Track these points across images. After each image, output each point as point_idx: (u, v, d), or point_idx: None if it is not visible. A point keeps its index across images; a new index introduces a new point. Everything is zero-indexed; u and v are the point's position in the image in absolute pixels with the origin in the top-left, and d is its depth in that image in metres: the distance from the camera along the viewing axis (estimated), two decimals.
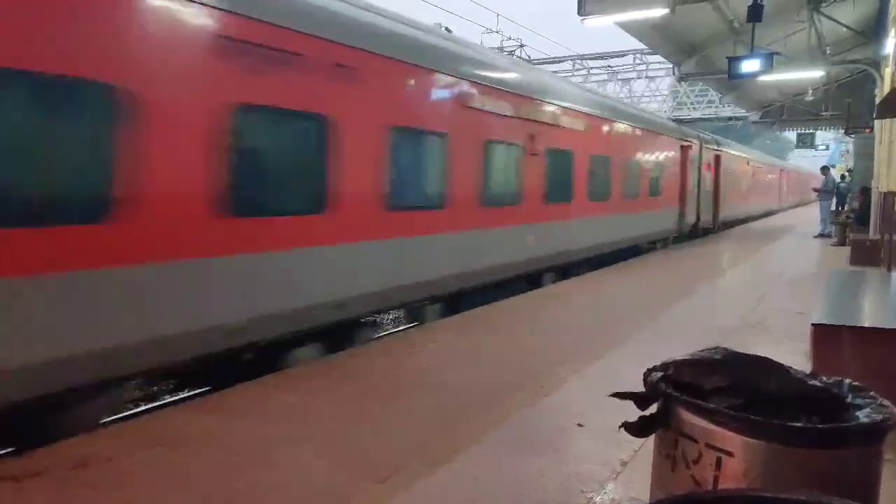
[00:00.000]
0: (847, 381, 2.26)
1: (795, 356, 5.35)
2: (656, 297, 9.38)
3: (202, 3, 4.86)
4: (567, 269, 11.67)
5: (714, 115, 31.56)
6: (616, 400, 2.37)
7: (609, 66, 31.22)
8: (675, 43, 15.97)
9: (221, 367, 5.60)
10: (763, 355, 2.40)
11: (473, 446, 3.94)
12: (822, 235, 19.06)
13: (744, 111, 27.54)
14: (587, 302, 9.14)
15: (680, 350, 2.54)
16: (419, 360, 5.94)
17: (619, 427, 2.27)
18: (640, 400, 2.26)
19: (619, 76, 31.49)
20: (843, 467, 1.99)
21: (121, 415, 5.78)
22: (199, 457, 3.77)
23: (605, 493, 3.37)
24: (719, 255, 15.53)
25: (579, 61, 30.69)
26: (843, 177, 27.42)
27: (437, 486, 3.47)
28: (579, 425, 4.24)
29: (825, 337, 4.53)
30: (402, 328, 8.52)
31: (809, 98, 20.36)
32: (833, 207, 20.21)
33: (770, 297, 9.24)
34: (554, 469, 3.63)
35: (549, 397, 4.88)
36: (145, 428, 4.25)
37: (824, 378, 2.32)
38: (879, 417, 2.02)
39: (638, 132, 14.64)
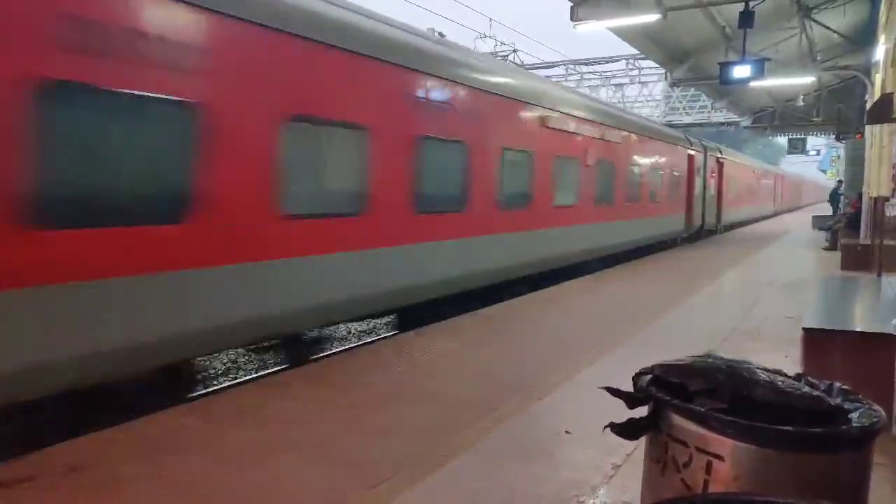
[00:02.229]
0: (837, 384, 2.27)
1: (788, 360, 5.38)
2: (651, 301, 9.40)
3: None
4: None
5: (706, 121, 31.68)
6: (608, 406, 2.37)
7: (601, 72, 31.31)
8: (667, 49, 16.05)
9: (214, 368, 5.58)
10: (752, 360, 2.41)
11: (466, 452, 3.94)
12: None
13: (736, 116, 27.70)
14: (582, 306, 9.15)
15: (674, 356, 2.54)
16: (412, 366, 5.93)
17: (605, 428, 2.27)
18: (630, 400, 2.26)
19: (612, 81, 31.58)
20: (833, 472, 2.00)
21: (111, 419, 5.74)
22: (192, 462, 3.75)
23: (597, 497, 3.38)
24: (714, 260, 15.58)
25: (572, 66, 30.76)
26: (840, 182, 27.64)
27: (431, 492, 3.46)
28: (567, 432, 4.24)
29: (816, 341, 4.55)
30: (394, 333, 8.51)
31: (801, 104, 20.51)
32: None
33: (763, 302, 9.27)
34: (547, 475, 3.63)
35: (542, 402, 4.89)
36: (136, 432, 4.22)
37: (814, 382, 2.33)
38: (869, 422, 2.03)
39: (654, 144, 16.50)
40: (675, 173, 18.21)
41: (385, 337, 7.17)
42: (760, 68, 11.82)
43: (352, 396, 4.99)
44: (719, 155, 23.36)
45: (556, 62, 30.67)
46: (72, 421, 4.55)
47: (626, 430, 2.23)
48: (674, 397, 2.16)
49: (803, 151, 34.16)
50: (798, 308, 7.62)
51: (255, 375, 7.24)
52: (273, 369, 7.24)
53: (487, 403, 4.80)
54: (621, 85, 31.51)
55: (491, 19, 26.48)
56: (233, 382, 6.97)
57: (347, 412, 4.63)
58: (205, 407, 4.76)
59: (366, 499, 3.35)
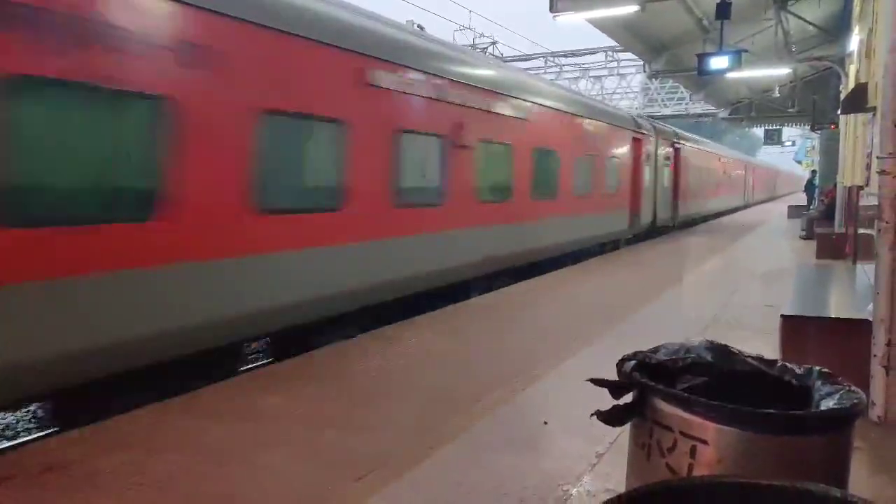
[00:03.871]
0: (817, 368, 2.30)
1: (767, 348, 5.44)
2: (633, 291, 9.48)
3: None
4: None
5: (684, 112, 31.99)
6: (592, 395, 2.38)
7: (580, 64, 31.44)
8: (645, 41, 16.11)
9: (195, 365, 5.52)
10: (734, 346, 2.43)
11: (451, 444, 3.94)
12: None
13: (713, 108, 27.97)
14: (562, 299, 9.19)
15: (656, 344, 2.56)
16: (396, 359, 5.92)
17: (591, 415, 2.27)
18: (615, 389, 2.27)
19: (591, 73, 31.71)
20: (814, 453, 2.02)
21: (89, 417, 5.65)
22: (173, 459, 3.70)
23: (582, 486, 3.39)
24: (695, 249, 15.74)
25: (551, 58, 30.83)
26: (814, 172, 28.20)
27: (415, 483, 3.45)
28: (545, 423, 4.25)
29: (794, 328, 4.63)
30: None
31: (777, 95, 20.74)
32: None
33: (742, 291, 9.40)
34: (532, 464, 3.65)
35: (526, 393, 4.90)
36: (114, 430, 4.15)
37: (794, 366, 2.36)
38: (850, 403, 2.06)
39: (743, 164, 34.89)
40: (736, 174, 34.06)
41: (370, 329, 7.14)
42: (737, 59, 11.93)
43: (336, 390, 4.96)
44: (755, 163, 42.38)
45: (536, 54, 30.72)
46: (49, 419, 4.48)
47: (612, 416, 2.24)
48: (658, 383, 2.17)
49: (779, 142, 34.67)
50: (776, 296, 7.72)
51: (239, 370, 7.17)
52: (253, 365, 7.18)
53: (472, 395, 4.80)
54: (600, 77, 31.65)
55: (470, 11, 26.44)
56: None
57: (331, 406, 4.60)
58: (184, 403, 4.70)
59: (351, 491, 3.33)
